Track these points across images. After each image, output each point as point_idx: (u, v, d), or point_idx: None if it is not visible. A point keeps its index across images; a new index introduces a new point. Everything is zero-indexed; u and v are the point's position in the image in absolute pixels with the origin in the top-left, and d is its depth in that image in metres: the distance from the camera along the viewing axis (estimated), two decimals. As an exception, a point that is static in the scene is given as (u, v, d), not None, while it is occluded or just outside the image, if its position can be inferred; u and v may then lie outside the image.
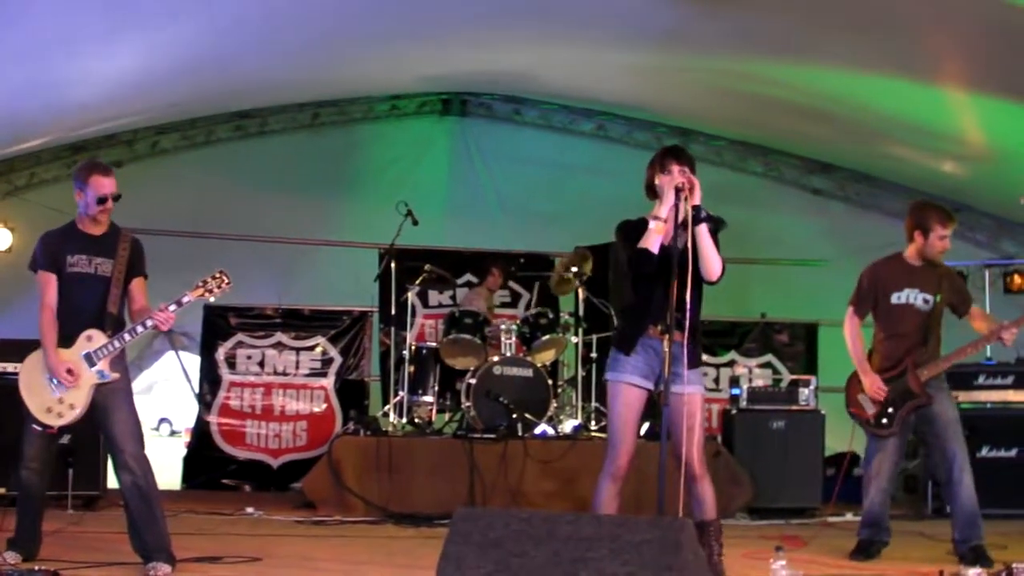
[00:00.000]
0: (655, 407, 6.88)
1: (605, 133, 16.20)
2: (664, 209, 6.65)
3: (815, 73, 12.22)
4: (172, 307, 7.17)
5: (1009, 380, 11.91)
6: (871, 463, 8.66)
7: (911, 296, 8.53)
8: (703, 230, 6.60)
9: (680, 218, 6.61)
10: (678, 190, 6.60)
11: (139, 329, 7.21)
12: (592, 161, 15.90)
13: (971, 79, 11.30)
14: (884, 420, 8.50)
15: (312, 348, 13.71)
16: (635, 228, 6.84)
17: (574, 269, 12.25)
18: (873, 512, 8.66)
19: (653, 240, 6.64)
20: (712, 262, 6.63)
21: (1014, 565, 7.14)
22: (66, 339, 7.20)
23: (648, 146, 14.97)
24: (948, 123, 12.53)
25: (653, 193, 6.91)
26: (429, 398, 12.09)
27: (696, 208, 6.55)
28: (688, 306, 6.42)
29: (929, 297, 8.47)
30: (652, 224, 6.67)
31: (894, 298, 8.56)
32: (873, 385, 8.48)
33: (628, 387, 6.79)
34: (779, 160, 16.00)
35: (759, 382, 13.01)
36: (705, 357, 13.41)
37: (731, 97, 13.72)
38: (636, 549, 4.60)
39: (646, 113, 15.73)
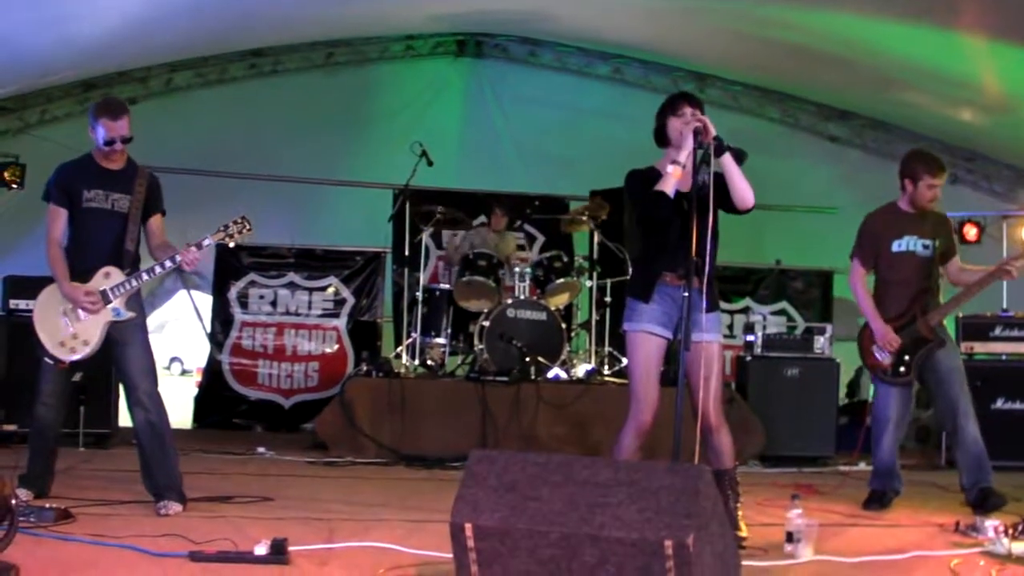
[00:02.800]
0: (672, 353, 6.81)
1: (621, 76, 16.08)
2: (683, 153, 6.56)
3: (833, 18, 12.11)
4: (194, 250, 7.14)
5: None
6: (885, 411, 8.64)
7: (911, 243, 8.47)
8: (729, 159, 6.52)
9: (698, 160, 6.53)
10: (696, 132, 6.52)
11: (161, 268, 7.18)
12: (608, 105, 15.79)
13: (992, 26, 11.18)
14: (901, 368, 8.47)
15: (325, 288, 13.68)
16: (644, 177, 6.77)
17: (588, 214, 12.21)
18: (884, 461, 8.66)
19: (670, 183, 6.56)
20: (745, 189, 6.59)
21: (1032, 518, 7.11)
22: (83, 275, 7.16)
23: (665, 90, 14.87)
24: (968, 71, 12.42)
25: (662, 140, 6.85)
26: (442, 340, 12.07)
27: (718, 138, 6.47)
28: (707, 250, 6.38)
29: (928, 243, 8.43)
30: (670, 168, 6.58)
31: (895, 246, 8.49)
32: (886, 336, 8.45)
33: (647, 336, 6.73)
34: (796, 106, 15.90)
35: (773, 329, 12.97)
36: (720, 303, 13.43)
37: (749, 42, 13.61)
38: (654, 495, 4.55)
39: (663, 57, 15.61)
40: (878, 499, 8.61)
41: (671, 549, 4.43)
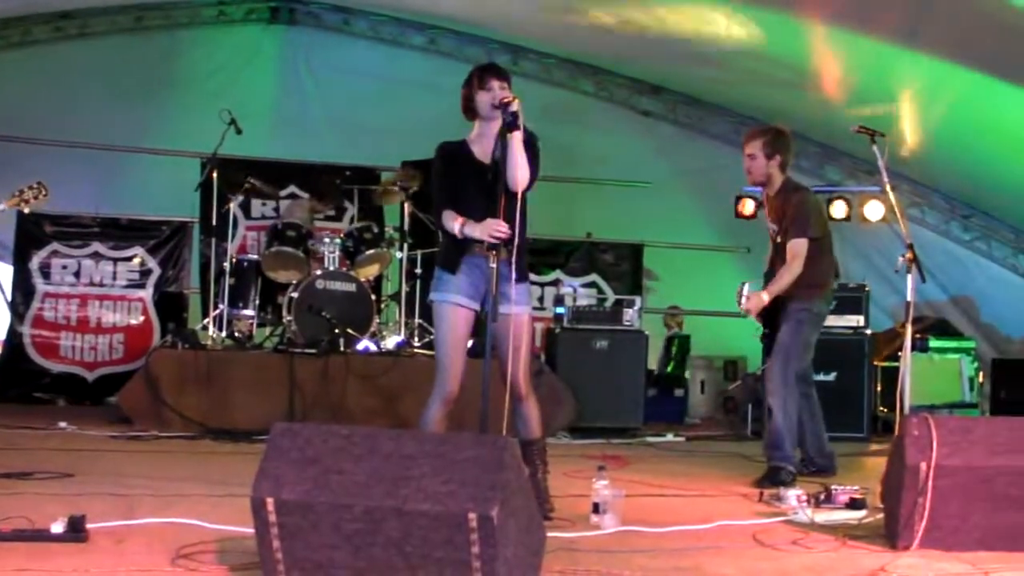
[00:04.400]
0: (481, 325, 6.79)
1: (436, 47, 15.98)
2: (475, 230, 6.51)
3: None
4: None
5: (831, 306, 12.10)
6: None
7: (769, 224, 8.77)
8: (518, 138, 6.47)
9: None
10: (504, 106, 6.45)
11: None
12: (422, 75, 15.67)
13: (803, 5, 11.36)
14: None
15: (130, 259, 13.41)
16: (453, 152, 6.76)
17: (400, 184, 12.17)
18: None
19: (456, 230, 6.55)
20: (521, 170, 6.46)
21: (832, 487, 7.28)
22: None
23: (479, 61, 14.82)
24: (779, 49, 12.61)
25: (471, 113, 6.78)
26: (250, 311, 11.92)
27: (514, 115, 6.41)
28: (516, 222, 6.34)
29: (775, 227, 8.66)
30: (456, 227, 6.55)
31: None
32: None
33: (454, 308, 6.67)
34: (609, 80, 15.98)
35: (584, 301, 13.05)
36: (530, 276, 13.46)
37: (563, 14, 13.64)
38: (458, 467, 4.53)
39: (478, 28, 15.57)
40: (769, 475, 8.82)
41: (475, 522, 4.41)
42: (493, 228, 6.41)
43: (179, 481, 7.66)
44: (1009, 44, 10.77)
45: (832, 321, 12.01)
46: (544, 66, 15.84)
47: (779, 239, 8.60)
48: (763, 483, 8.18)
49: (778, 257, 8.63)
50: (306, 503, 4.61)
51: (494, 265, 6.29)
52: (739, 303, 8.40)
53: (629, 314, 11.85)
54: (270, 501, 4.63)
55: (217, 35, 15.90)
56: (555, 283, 14.60)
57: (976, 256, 15.57)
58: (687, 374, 14.29)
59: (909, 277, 7.94)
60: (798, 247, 8.44)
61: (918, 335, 13.33)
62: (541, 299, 14.42)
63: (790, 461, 8.46)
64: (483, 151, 6.69)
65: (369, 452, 4.68)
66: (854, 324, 12.14)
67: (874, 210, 14.07)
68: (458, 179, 6.71)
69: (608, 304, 13.15)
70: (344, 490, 4.61)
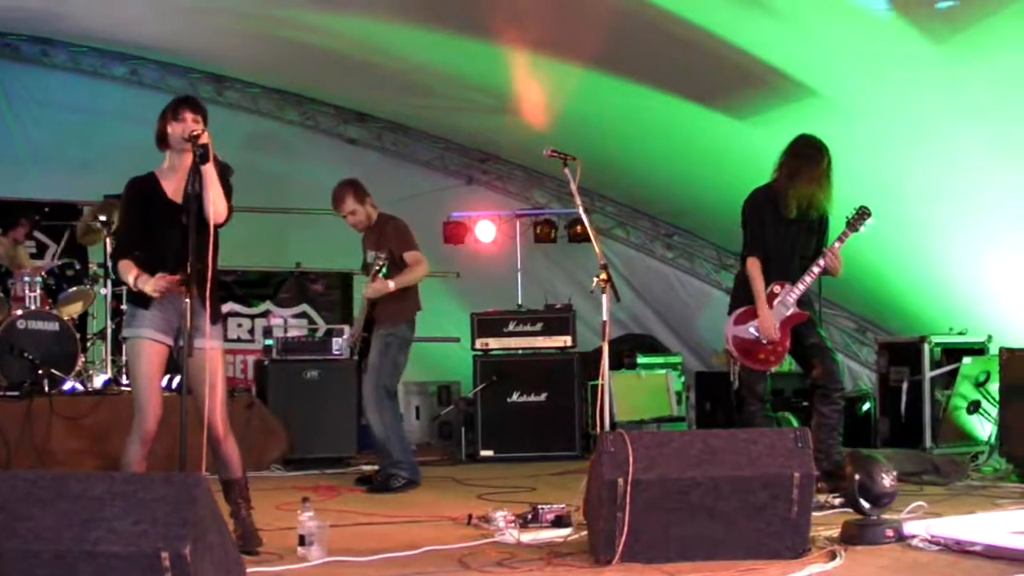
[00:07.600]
0: (175, 362, 6.74)
1: (138, 78, 15.66)
2: (147, 284, 6.49)
3: (352, 22, 12.26)
4: None
5: (538, 327, 12.39)
6: None
7: (370, 252, 9.84)
8: (209, 171, 6.44)
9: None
10: (194, 139, 6.42)
11: None
12: (125, 107, 15.35)
13: (509, 34, 11.57)
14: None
15: None
16: (142, 187, 6.77)
17: (102, 218, 11.95)
18: None
19: (131, 283, 6.57)
20: (218, 203, 6.47)
21: (539, 506, 7.44)
22: None
23: (183, 92, 14.66)
24: (482, 76, 12.81)
25: (164, 144, 6.73)
26: (-53, 356, 11.53)
27: (204, 148, 6.37)
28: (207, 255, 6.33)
29: (382, 255, 9.50)
30: (136, 283, 6.54)
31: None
32: None
33: (148, 343, 6.59)
34: (315, 109, 15.93)
35: (295, 332, 13.02)
36: (239, 308, 13.43)
37: (267, 43, 13.59)
38: (149, 506, 4.50)
39: (180, 58, 15.36)
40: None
41: (168, 561, 4.39)
42: (160, 284, 6.42)
43: None
44: (704, 70, 11.20)
45: (540, 342, 12.32)
46: (249, 96, 15.72)
47: (381, 262, 9.47)
48: (377, 489, 9.48)
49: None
50: (-7, 552, 4.52)
51: (188, 300, 6.25)
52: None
53: (339, 343, 11.90)
54: (-46, 552, 4.53)
55: (-93, 69, 15.37)
56: (265, 315, 14.51)
57: (679, 273, 16.04)
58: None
59: (604, 297, 8.16)
60: (415, 257, 9.78)
61: (626, 352, 13.72)
62: (251, 331, 14.34)
63: (400, 467, 9.53)
64: (173, 185, 6.66)
65: (57, 496, 4.61)
66: (562, 344, 12.42)
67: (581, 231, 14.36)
68: (148, 217, 6.69)
69: (319, 334, 13.15)
70: (33, 536, 4.53)
